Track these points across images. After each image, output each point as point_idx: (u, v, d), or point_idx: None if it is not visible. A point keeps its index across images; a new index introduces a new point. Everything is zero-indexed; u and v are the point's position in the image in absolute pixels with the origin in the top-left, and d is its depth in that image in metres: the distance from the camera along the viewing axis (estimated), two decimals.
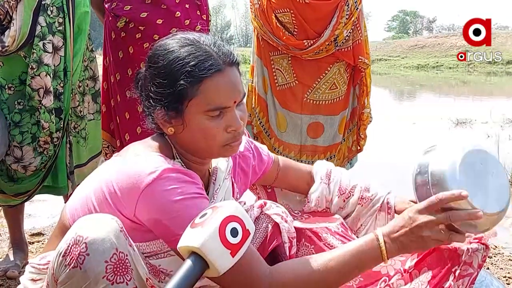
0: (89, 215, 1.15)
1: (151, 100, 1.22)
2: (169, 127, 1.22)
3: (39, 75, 1.97)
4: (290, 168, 1.59)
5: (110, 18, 2.19)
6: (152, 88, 1.21)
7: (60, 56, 2.04)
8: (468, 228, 1.15)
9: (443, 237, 1.14)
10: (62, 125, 2.07)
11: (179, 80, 1.16)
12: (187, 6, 2.19)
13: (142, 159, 1.17)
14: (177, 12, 2.15)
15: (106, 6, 2.20)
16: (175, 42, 1.21)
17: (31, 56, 1.97)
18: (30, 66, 1.97)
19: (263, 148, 1.54)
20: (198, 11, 2.23)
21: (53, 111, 2.02)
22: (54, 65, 2.02)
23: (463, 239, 1.15)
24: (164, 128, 1.23)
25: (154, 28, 2.09)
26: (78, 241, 1.05)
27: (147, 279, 1.14)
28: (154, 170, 1.13)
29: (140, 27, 2.13)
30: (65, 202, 2.09)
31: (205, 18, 2.26)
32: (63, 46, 2.04)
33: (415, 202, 1.26)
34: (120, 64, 2.16)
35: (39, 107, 1.99)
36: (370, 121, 2.46)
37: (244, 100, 1.27)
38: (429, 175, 1.20)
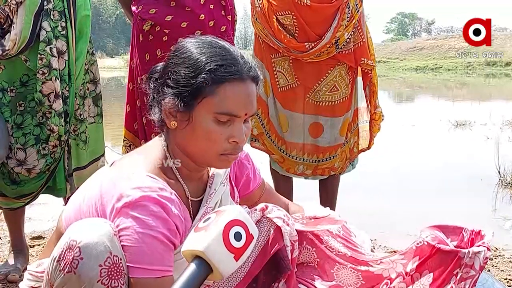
0: (82, 219, 1.15)
1: (165, 87, 1.20)
2: (172, 120, 1.21)
3: (50, 79, 1.98)
4: (272, 194, 1.59)
5: (138, 21, 2.22)
6: (172, 76, 1.20)
7: (65, 60, 2.05)
8: None
9: None
10: (68, 128, 2.08)
11: (202, 74, 1.16)
12: (211, 6, 2.21)
13: (132, 179, 1.14)
14: (201, 15, 2.18)
15: (134, 8, 2.22)
16: (207, 41, 1.22)
17: (40, 61, 1.97)
18: (41, 72, 1.97)
19: (257, 167, 1.53)
20: (222, 12, 2.24)
21: (62, 115, 2.02)
22: (59, 69, 2.03)
23: None
24: (168, 120, 1.22)
25: (179, 31, 2.09)
26: (72, 245, 1.05)
27: None
28: (133, 194, 1.11)
29: (165, 30, 2.16)
30: (65, 205, 2.09)
31: (230, 19, 2.27)
32: (67, 50, 2.05)
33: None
34: (147, 66, 2.16)
35: (47, 112, 1.99)
36: (382, 119, 2.47)
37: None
38: None
